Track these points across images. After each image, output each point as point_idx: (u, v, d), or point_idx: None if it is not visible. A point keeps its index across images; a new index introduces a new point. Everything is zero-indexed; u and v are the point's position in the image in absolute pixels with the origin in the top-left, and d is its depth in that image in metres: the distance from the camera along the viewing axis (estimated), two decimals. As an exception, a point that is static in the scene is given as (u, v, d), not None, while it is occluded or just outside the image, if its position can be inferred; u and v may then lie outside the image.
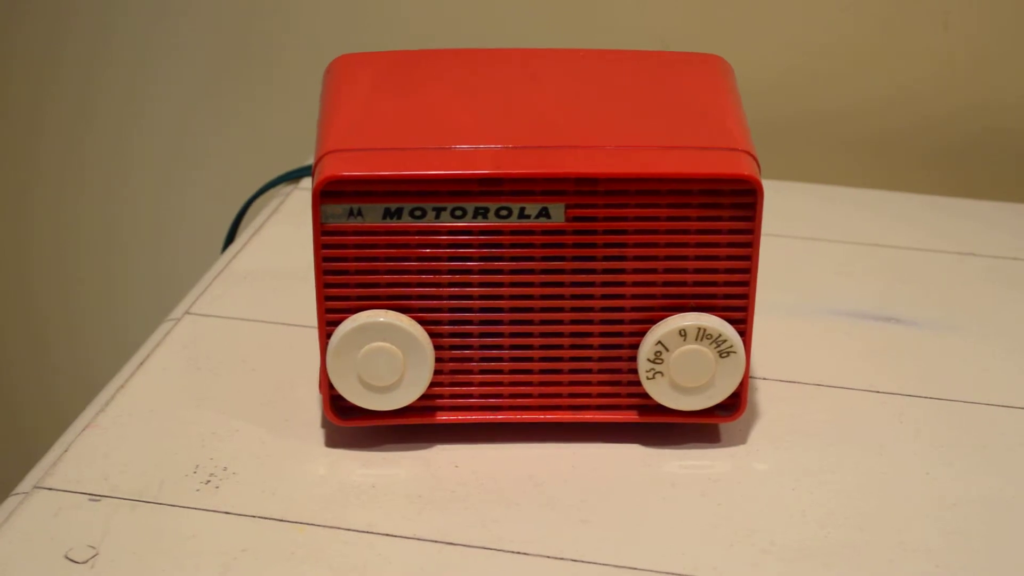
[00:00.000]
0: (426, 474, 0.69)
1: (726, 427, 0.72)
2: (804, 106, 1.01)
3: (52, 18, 1.10)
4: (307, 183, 0.93)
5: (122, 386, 0.74)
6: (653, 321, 0.68)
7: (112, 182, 1.15)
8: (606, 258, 0.67)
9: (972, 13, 0.97)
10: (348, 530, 0.65)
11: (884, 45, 0.99)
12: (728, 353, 0.68)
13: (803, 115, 1.01)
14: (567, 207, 0.66)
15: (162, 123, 1.12)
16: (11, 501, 0.67)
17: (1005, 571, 0.64)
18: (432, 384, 0.69)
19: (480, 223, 0.66)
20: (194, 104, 1.11)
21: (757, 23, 0.99)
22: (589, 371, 0.70)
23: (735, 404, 0.70)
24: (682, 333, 0.68)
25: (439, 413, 0.70)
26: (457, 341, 0.69)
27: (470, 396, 0.70)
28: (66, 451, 0.70)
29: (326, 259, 0.67)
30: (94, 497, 0.67)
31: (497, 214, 0.66)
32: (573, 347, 0.69)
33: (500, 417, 0.70)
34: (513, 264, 0.67)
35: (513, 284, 0.68)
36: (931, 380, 0.76)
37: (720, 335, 0.68)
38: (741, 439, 0.71)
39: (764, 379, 0.76)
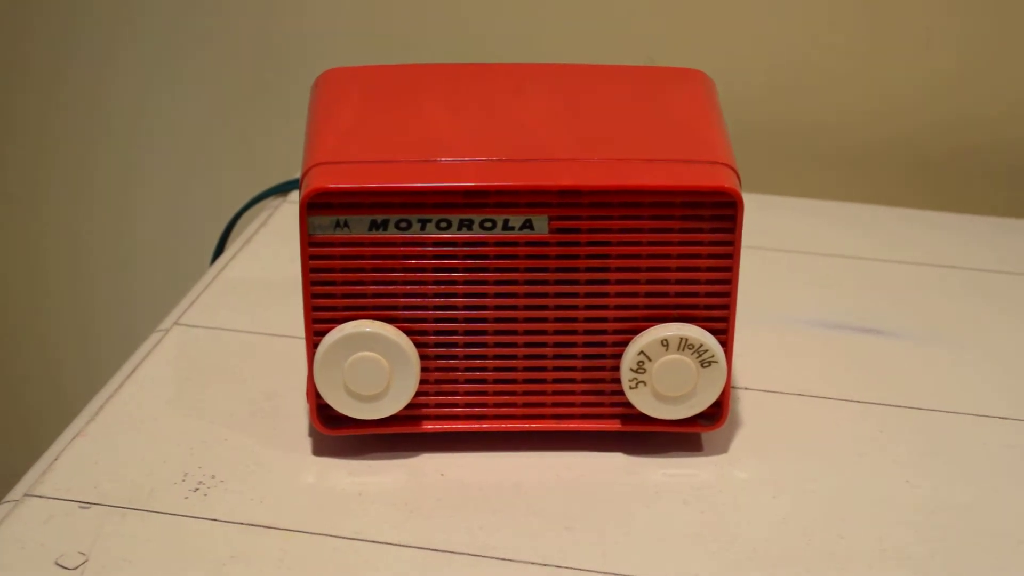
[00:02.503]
0: (412, 482, 0.69)
1: (708, 436, 0.73)
2: (788, 121, 1.02)
3: (57, 36, 1.11)
4: (295, 196, 0.94)
5: (112, 396, 0.75)
6: (636, 331, 0.69)
7: (100, 193, 1.16)
8: (589, 269, 0.68)
9: (949, 31, 0.98)
10: (335, 537, 0.66)
11: (865, 61, 1.00)
12: (710, 363, 0.69)
13: (786, 130, 1.02)
14: (551, 219, 0.67)
15: (151, 137, 1.13)
16: (2, 508, 0.67)
17: (982, 577, 0.65)
18: (418, 393, 0.70)
19: (465, 235, 0.67)
20: (184, 118, 1.12)
21: (741, 39, 1.00)
22: (573, 380, 0.71)
23: (717, 413, 0.71)
24: (664, 343, 0.69)
25: (425, 422, 0.71)
26: (442, 351, 0.70)
27: (455, 405, 0.71)
28: (56, 459, 0.70)
29: (313, 270, 0.68)
30: (84, 504, 0.67)
31: (482, 226, 0.67)
32: (557, 357, 0.70)
33: (485, 426, 0.71)
34: (497, 275, 0.68)
35: (497, 295, 0.69)
36: (911, 390, 0.77)
37: (702, 345, 0.69)
38: (723, 448, 0.72)
39: (746, 389, 0.76)
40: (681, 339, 0.69)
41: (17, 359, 1.25)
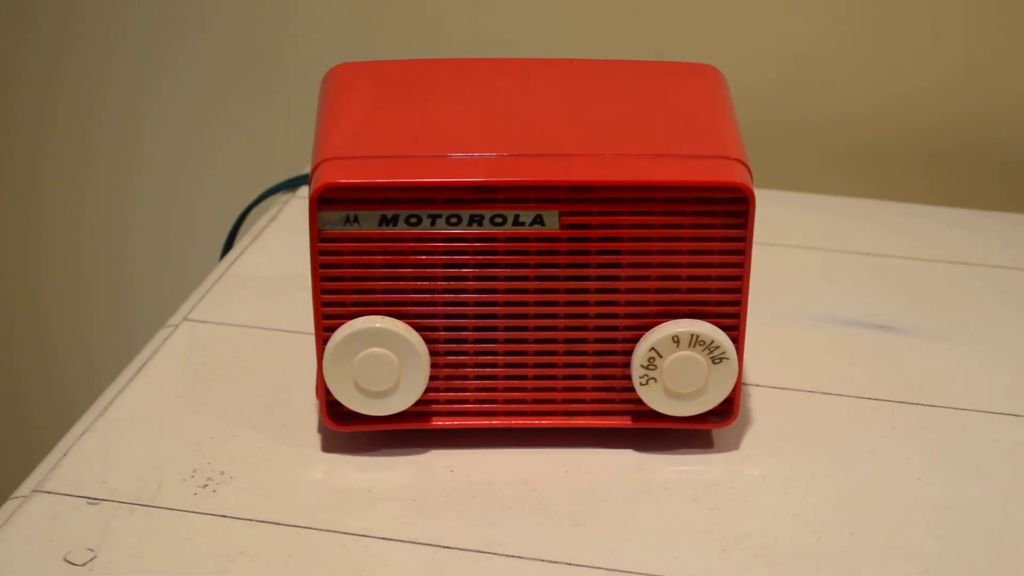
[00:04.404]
0: (421, 478, 0.69)
1: (719, 433, 0.73)
2: (797, 116, 1.01)
3: (57, 28, 1.11)
4: (305, 191, 0.94)
5: (120, 391, 0.75)
6: (646, 327, 0.69)
7: (111, 189, 1.16)
8: (600, 265, 0.68)
9: (961, 25, 0.97)
10: (344, 533, 0.66)
11: (875, 56, 0.99)
12: (721, 359, 0.69)
13: (796, 125, 1.02)
14: (561, 214, 0.67)
15: (162, 131, 1.13)
16: (10, 504, 0.67)
17: (995, 575, 0.65)
18: (427, 389, 0.70)
19: (475, 230, 0.67)
20: (194, 113, 1.12)
21: (751, 34, 1.00)
22: (583, 377, 0.70)
23: (728, 410, 0.71)
24: (675, 339, 0.68)
25: (434, 418, 0.71)
26: (452, 347, 0.70)
27: (465, 401, 0.71)
28: (65, 455, 0.70)
29: (323, 265, 0.68)
30: (93, 500, 0.67)
31: (492, 221, 0.67)
32: (567, 353, 0.70)
33: (495, 422, 0.71)
34: (508, 271, 0.68)
35: (508, 291, 0.68)
36: (922, 387, 0.77)
37: (713, 341, 0.69)
38: (734, 445, 0.72)
39: (756, 385, 0.76)
40: (692, 335, 0.68)
41: (19, 355, 1.25)
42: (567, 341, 0.69)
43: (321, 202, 0.66)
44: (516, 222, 0.67)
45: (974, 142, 1.00)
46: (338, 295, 0.68)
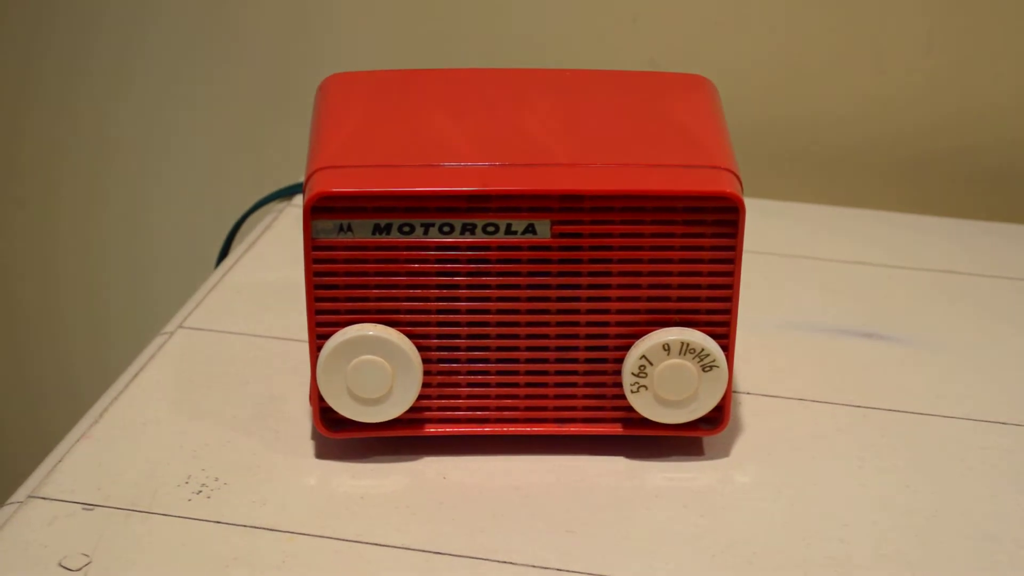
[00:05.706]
0: (414, 485, 0.70)
1: (709, 440, 0.73)
2: (790, 126, 1.02)
3: (54, 33, 1.11)
4: (299, 200, 0.95)
5: (116, 398, 0.75)
6: (637, 335, 0.70)
7: (106, 196, 1.16)
8: (591, 274, 0.68)
9: (951, 33, 0.98)
10: (337, 540, 0.66)
11: (870, 66, 1.00)
12: (711, 367, 0.69)
13: (789, 134, 1.02)
14: (553, 223, 0.67)
15: (158, 139, 1.13)
16: (6, 510, 0.68)
17: (981, 582, 0.65)
18: (420, 397, 0.70)
19: (467, 239, 0.68)
20: (189, 122, 1.12)
21: (744, 44, 1.01)
22: (574, 384, 0.71)
23: (718, 418, 0.71)
24: (666, 347, 0.69)
25: (427, 425, 0.71)
26: (445, 355, 0.70)
27: (457, 409, 0.71)
28: (60, 461, 0.71)
29: (317, 274, 0.68)
30: (88, 506, 0.68)
31: (484, 230, 0.67)
32: (559, 361, 0.70)
33: (487, 429, 0.71)
34: (500, 279, 0.68)
35: (500, 299, 0.69)
36: (911, 395, 0.77)
37: (703, 349, 0.69)
38: (724, 452, 0.72)
39: (747, 393, 0.77)
40: (682, 343, 0.69)
41: (26, 362, 1.26)
42: (559, 349, 0.70)
43: (315, 211, 0.67)
44: (508, 231, 0.68)
45: (963, 149, 1.00)
46: (332, 303, 0.69)
